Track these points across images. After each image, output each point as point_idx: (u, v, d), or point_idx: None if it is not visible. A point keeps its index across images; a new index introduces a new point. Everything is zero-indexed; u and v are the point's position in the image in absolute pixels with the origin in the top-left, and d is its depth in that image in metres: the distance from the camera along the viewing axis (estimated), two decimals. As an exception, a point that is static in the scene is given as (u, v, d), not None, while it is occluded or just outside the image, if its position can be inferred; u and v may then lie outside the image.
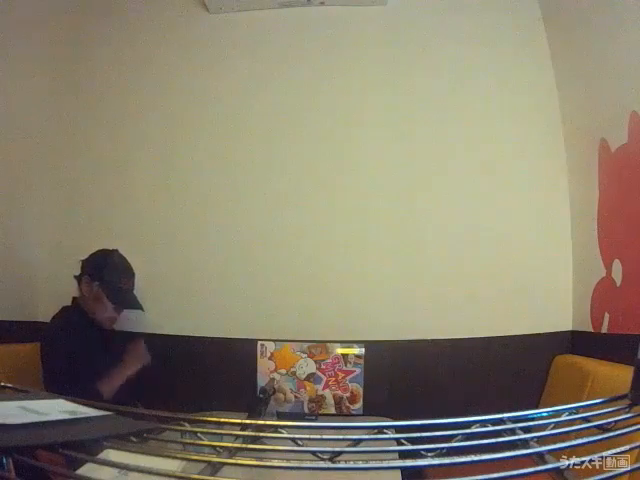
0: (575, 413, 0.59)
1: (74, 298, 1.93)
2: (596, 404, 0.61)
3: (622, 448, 0.48)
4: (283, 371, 2.07)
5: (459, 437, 0.53)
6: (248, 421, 0.57)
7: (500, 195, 2.29)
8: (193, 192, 2.38)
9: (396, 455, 0.50)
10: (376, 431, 0.54)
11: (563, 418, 0.58)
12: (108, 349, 1.91)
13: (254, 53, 2.42)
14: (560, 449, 0.48)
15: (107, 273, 1.88)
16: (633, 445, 0.49)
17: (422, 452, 0.49)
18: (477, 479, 0.41)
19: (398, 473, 1.32)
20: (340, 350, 2.06)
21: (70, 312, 1.90)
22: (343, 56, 2.39)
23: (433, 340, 2.21)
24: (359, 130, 2.36)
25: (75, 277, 1.91)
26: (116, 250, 1.94)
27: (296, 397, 2.06)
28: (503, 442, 0.51)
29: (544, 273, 2.24)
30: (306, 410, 2.05)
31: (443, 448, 0.49)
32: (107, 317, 1.90)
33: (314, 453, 0.49)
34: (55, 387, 1.65)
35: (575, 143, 2.21)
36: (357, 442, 0.51)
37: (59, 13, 2.43)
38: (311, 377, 2.06)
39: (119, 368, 1.80)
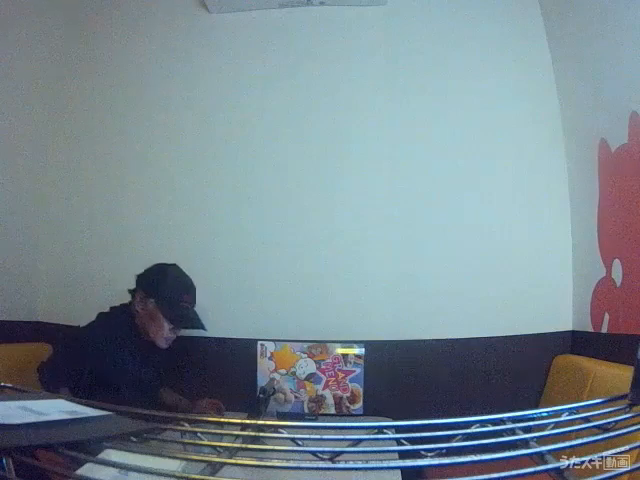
0: (575, 413, 0.59)
1: (123, 305, 1.80)
2: (596, 404, 0.61)
3: (622, 448, 0.48)
4: (283, 371, 2.07)
5: (459, 437, 0.53)
6: (248, 421, 0.57)
7: (500, 195, 2.29)
8: (194, 192, 2.38)
9: (396, 455, 0.50)
10: (376, 431, 0.54)
11: (563, 418, 0.58)
12: (148, 362, 1.79)
13: (254, 53, 2.41)
14: (560, 449, 0.48)
15: (164, 289, 1.75)
16: (633, 445, 0.49)
17: (422, 452, 0.49)
18: (477, 479, 0.41)
19: (398, 473, 1.32)
20: (340, 350, 2.06)
21: (118, 320, 1.75)
22: (343, 56, 2.39)
23: (433, 340, 2.21)
24: (359, 130, 2.36)
25: (129, 291, 1.80)
26: (174, 264, 1.82)
27: (296, 397, 2.06)
28: (503, 442, 0.51)
29: (544, 273, 2.24)
30: (306, 410, 2.05)
31: (443, 448, 0.49)
32: (163, 337, 1.75)
33: (314, 453, 0.49)
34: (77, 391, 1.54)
35: (575, 143, 2.21)
36: (357, 442, 0.51)
37: (59, 13, 2.43)
38: (311, 377, 2.06)
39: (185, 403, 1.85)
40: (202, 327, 1.84)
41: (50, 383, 1.61)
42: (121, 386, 1.60)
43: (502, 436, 0.53)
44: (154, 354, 1.82)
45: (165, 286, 1.75)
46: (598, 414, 0.57)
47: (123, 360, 1.66)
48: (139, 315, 1.76)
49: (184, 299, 1.79)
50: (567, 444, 0.48)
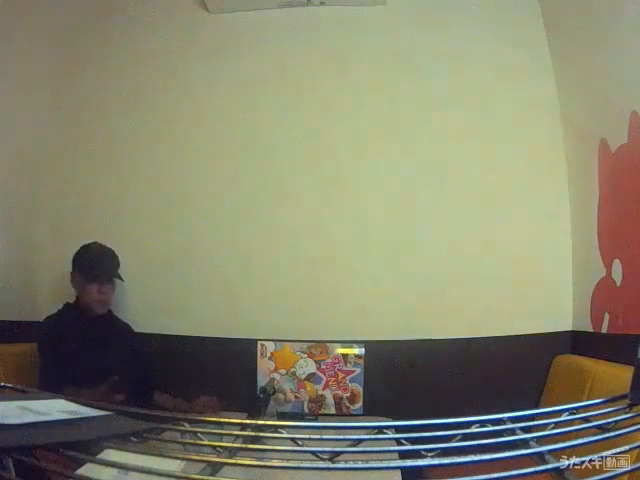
0: (575, 413, 0.59)
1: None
2: (596, 404, 0.61)
3: (622, 448, 0.48)
4: (283, 371, 2.07)
5: (459, 437, 0.53)
6: (248, 421, 0.57)
7: (500, 195, 2.28)
8: (192, 191, 2.38)
9: (396, 455, 0.50)
10: (376, 431, 0.54)
11: (563, 418, 0.58)
12: (100, 344, 1.90)
13: (254, 53, 2.41)
14: (560, 449, 0.48)
15: (86, 259, 1.96)
16: (633, 445, 0.49)
17: (422, 452, 0.49)
18: (477, 479, 0.41)
19: (398, 473, 1.31)
20: (340, 350, 2.06)
21: (64, 308, 1.96)
22: (343, 56, 2.38)
23: (433, 340, 2.21)
24: (358, 129, 2.35)
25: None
26: (95, 241, 2.02)
27: (296, 397, 2.06)
28: (503, 442, 0.51)
29: (544, 273, 2.24)
30: (306, 410, 2.05)
31: (443, 448, 0.49)
32: (96, 301, 1.93)
33: (314, 453, 0.49)
34: (45, 382, 1.68)
35: (575, 143, 2.21)
36: (357, 442, 0.51)
37: (59, 13, 2.43)
38: (311, 377, 2.06)
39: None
40: (119, 277, 2.01)
41: (43, 386, 1.66)
42: (75, 363, 1.74)
43: (502, 436, 0.53)
44: (108, 335, 1.96)
45: (87, 257, 1.97)
46: (598, 414, 0.57)
47: (69, 340, 1.81)
48: (77, 293, 1.96)
49: (102, 260, 1.99)
50: (567, 444, 0.48)
